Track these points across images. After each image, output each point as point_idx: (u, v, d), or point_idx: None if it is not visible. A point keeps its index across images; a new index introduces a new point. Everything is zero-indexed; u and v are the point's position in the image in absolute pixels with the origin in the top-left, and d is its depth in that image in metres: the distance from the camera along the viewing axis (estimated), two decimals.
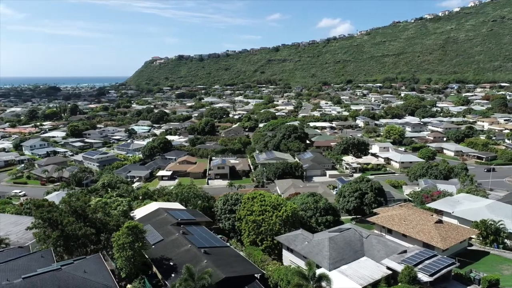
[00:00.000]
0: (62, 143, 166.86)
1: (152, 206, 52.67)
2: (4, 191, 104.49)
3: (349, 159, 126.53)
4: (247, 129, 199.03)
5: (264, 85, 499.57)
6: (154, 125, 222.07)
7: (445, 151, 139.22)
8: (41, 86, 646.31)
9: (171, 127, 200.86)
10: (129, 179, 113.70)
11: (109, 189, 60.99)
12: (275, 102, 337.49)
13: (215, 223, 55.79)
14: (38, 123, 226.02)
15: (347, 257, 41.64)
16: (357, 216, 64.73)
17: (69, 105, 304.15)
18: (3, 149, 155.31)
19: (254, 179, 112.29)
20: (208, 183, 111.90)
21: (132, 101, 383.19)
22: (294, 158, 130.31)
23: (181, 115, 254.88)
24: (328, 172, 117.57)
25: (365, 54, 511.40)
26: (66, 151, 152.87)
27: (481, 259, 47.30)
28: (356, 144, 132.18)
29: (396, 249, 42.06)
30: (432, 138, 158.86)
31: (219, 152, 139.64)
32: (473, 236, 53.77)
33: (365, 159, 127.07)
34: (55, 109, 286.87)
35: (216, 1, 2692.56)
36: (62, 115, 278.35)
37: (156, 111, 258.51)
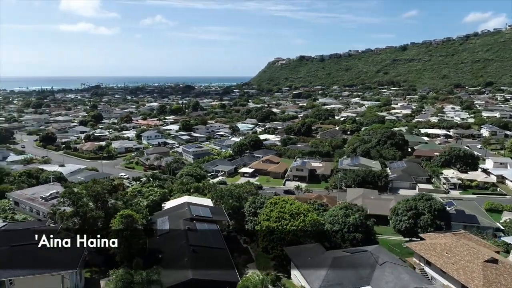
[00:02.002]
0: (173, 135, 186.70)
1: (181, 199, 55.32)
2: (112, 173, 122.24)
3: (449, 173, 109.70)
4: (348, 132, 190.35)
5: (385, 87, 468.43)
6: (259, 123, 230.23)
7: None
8: (180, 85, 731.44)
9: (271, 126, 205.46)
10: (213, 173, 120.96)
11: (151, 179, 66.27)
12: (392, 105, 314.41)
13: (243, 223, 55.30)
14: (163, 117, 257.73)
15: (346, 282, 36.65)
16: (412, 239, 55.75)
17: (192, 102, 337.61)
18: (127, 138, 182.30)
19: (332, 184, 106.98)
20: (284, 184, 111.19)
21: (250, 100, 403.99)
22: (386, 167, 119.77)
23: (287, 114, 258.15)
24: (420, 186, 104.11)
25: None
26: (174, 143, 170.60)
27: None
28: (461, 157, 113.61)
29: (408, 285, 35.11)
30: None
31: (307, 153, 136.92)
32: None
33: (471, 175, 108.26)
34: (180, 105, 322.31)
35: (348, 0, 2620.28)
36: (186, 110, 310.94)
37: (264, 110, 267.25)
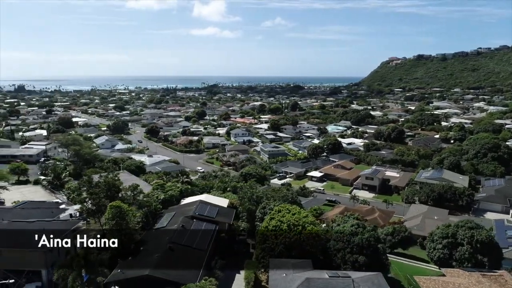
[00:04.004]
0: (260, 134, 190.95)
1: (198, 197, 56.50)
2: (190, 166, 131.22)
3: None
4: (451, 141, 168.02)
5: None
6: (352, 126, 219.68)
7: None
8: (291, 85, 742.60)
9: (362, 129, 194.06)
10: (282, 174, 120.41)
11: (180, 175, 68.66)
12: None
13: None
14: (258, 116, 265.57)
15: None
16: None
17: (291, 102, 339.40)
18: (218, 134, 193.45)
19: (404, 197, 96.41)
20: (350, 192, 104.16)
21: (354, 102, 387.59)
22: (479, 184, 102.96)
23: (386, 118, 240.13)
24: None
25: None
26: (258, 142, 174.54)
27: None
28: None
29: None
30: None
31: (388, 161, 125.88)
32: None
33: None
34: (278, 104, 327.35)
35: None
36: (285, 110, 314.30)
37: (362, 112, 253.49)
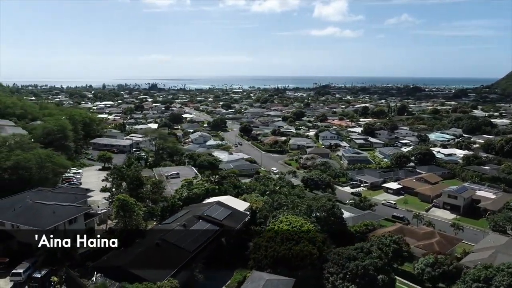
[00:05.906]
0: (349, 138, 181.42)
1: (220, 198, 56.50)
2: (264, 166, 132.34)
3: None
4: None
5: None
6: (464, 134, 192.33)
7: None
8: (410, 86, 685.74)
9: (471, 139, 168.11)
10: (356, 182, 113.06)
11: (211, 174, 68.41)
12: None
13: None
14: (356, 119, 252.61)
15: None
16: None
17: (399, 104, 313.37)
18: (306, 136, 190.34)
19: (491, 224, 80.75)
20: (427, 211, 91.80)
21: (479, 107, 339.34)
22: None
23: (510, 127, 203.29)
24: None
25: None
26: (345, 146, 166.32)
27: None
28: None
29: None
30: None
31: (488, 179, 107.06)
32: None
33: None
34: (384, 107, 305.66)
35: None
36: (391, 114, 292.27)
37: (479, 119, 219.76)
